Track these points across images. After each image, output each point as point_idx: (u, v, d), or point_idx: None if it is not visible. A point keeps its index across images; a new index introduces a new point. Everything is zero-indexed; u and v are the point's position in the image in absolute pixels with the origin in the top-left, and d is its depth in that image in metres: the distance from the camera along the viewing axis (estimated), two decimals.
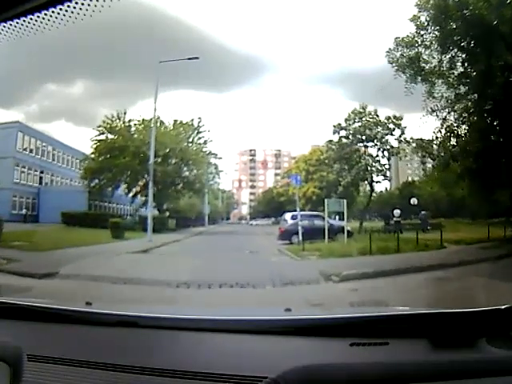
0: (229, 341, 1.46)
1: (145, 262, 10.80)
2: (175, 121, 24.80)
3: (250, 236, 22.19)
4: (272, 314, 1.95)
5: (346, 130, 22.20)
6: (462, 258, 9.80)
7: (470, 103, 12.71)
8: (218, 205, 36.52)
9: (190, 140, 25.14)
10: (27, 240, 12.90)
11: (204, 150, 25.26)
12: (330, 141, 22.94)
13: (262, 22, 60.88)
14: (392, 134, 21.91)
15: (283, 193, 31.11)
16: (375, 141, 21.99)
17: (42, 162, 26.73)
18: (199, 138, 25.19)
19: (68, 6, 0.99)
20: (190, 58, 18.72)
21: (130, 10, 22.90)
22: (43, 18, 1.02)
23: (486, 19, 10.53)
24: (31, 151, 26.07)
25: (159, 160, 22.09)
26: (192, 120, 25.03)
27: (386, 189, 32.99)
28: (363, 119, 21.98)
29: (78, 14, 1.01)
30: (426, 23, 12.05)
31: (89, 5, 1.00)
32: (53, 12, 1.00)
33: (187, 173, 25.26)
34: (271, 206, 33.95)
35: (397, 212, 19.60)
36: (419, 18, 12.20)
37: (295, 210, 17.62)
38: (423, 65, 12.77)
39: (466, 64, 12.29)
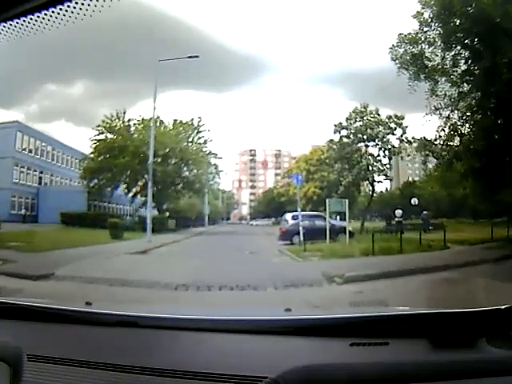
0: (229, 341, 1.45)
1: (143, 263, 10.63)
2: (175, 120, 24.66)
3: (251, 236, 22.06)
4: (272, 314, 1.93)
5: (347, 129, 22.05)
6: (466, 258, 9.64)
7: (473, 101, 12.54)
8: (218, 205, 36.40)
9: (190, 140, 25.01)
10: (25, 240, 12.79)
11: (204, 149, 25.14)
12: (331, 140, 22.80)
13: (261, 22, 60.84)
14: (393, 134, 21.79)
15: (284, 193, 30.96)
16: (376, 140, 21.84)
17: (41, 162, 26.61)
18: (199, 138, 25.07)
19: (68, 6, 0.99)
20: (189, 57, 18.62)
21: (129, 10, 22.81)
22: (43, 18, 1.02)
23: (490, 16, 10.38)
24: (30, 151, 25.95)
25: (159, 160, 21.98)
26: (192, 120, 24.92)
27: (387, 189, 32.90)
28: (364, 118, 21.83)
29: (78, 13, 1.01)
30: (429, 20, 11.90)
31: (89, 5, 1.01)
32: (53, 12, 1.01)
33: (187, 173, 25.15)
34: (271, 207, 33.83)
35: (398, 212, 19.49)
36: (422, 14, 12.06)
37: (296, 210, 17.47)
38: (426, 62, 12.60)
39: (469, 62, 12.13)
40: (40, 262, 8.90)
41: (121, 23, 25.33)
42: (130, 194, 24.89)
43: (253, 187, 48.50)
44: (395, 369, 1.17)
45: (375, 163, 22.13)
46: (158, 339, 1.47)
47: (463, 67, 12.45)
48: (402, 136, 21.52)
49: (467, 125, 13.18)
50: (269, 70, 44.53)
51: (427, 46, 12.57)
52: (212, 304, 5.08)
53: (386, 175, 23.15)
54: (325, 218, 16.28)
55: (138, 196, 24.65)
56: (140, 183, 23.59)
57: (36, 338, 1.48)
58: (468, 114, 12.96)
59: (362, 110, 21.80)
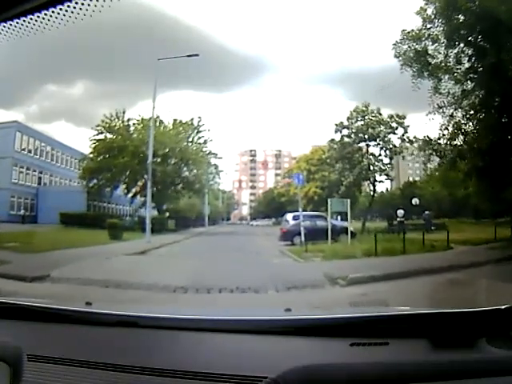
0: (229, 341, 1.45)
1: (142, 264, 10.45)
2: (175, 120, 24.54)
3: (251, 237, 21.94)
4: (272, 314, 1.94)
5: (348, 128, 21.92)
6: (471, 259, 9.47)
7: (477, 100, 12.38)
8: (218, 205, 36.30)
9: (190, 139, 24.89)
10: (22, 241, 12.67)
11: (204, 149, 25.02)
12: (332, 140, 22.67)
13: (261, 22, 60.71)
14: (395, 133, 21.65)
15: (284, 193, 30.85)
16: (378, 140, 21.69)
17: (40, 162, 26.53)
18: (199, 138, 24.95)
19: (68, 6, 0.99)
20: (189, 56, 18.51)
21: (129, 10, 22.73)
22: (43, 18, 1.02)
23: (495, 12, 10.22)
24: (30, 151, 25.89)
25: (158, 160, 21.88)
26: (192, 119, 24.80)
27: (387, 189, 32.77)
28: (366, 118, 21.70)
29: (78, 14, 1.01)
30: (432, 16, 11.74)
31: (89, 5, 1.01)
32: (53, 12, 1.00)
33: (187, 173, 25.03)
34: (272, 207, 33.74)
35: (400, 212, 19.35)
36: (426, 10, 11.90)
37: (296, 211, 17.31)
38: (429, 60, 12.45)
39: (473, 59, 11.98)
40: (36, 263, 8.73)
41: (121, 23, 25.29)
42: (130, 195, 24.79)
43: (253, 187, 48.44)
44: (395, 369, 1.16)
45: (376, 163, 22.02)
46: (158, 339, 1.46)
47: (467, 65, 12.31)
48: (403, 135, 21.42)
49: (471, 123, 13.01)
50: (269, 70, 44.52)
51: (430, 43, 12.42)
52: (211, 306, 4.90)
53: (387, 175, 23.01)
54: (326, 218, 16.13)
55: (138, 196, 24.52)
56: (139, 183, 23.47)
57: (36, 338, 1.48)
58: (472, 112, 12.79)
59: (364, 109, 21.66)
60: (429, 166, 17.21)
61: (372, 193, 23.68)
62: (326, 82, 52.33)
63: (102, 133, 23.27)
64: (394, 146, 21.79)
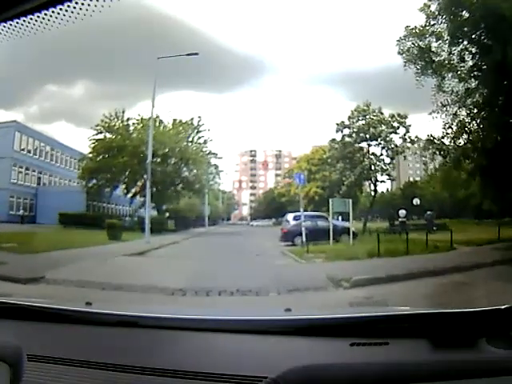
0: (229, 341, 1.44)
1: (140, 265, 10.26)
2: (174, 120, 24.45)
3: (251, 237, 21.81)
4: (272, 314, 1.94)
5: (349, 128, 21.77)
6: (476, 260, 9.31)
7: (481, 98, 12.20)
8: (218, 205, 36.21)
9: (190, 139, 24.80)
10: (20, 241, 12.49)
11: (204, 149, 24.92)
12: (333, 139, 22.51)
13: (262, 23, 60.70)
14: (396, 133, 21.50)
15: (284, 193, 30.75)
16: (379, 139, 21.54)
17: (39, 162, 26.49)
18: (199, 138, 24.87)
19: (68, 6, 1.00)
20: (188, 54, 18.40)
21: (129, 10, 22.68)
22: (43, 18, 1.03)
23: (499, 9, 10.06)
24: (29, 151, 25.82)
25: (158, 160, 21.79)
26: (192, 119, 24.69)
27: (388, 189, 32.65)
28: (367, 117, 21.56)
29: (78, 14, 1.01)
30: (436, 13, 11.57)
31: (89, 5, 1.01)
32: (53, 12, 1.01)
33: (187, 173, 24.96)
34: (272, 207, 33.68)
35: (402, 212, 19.26)
36: (429, 7, 11.75)
37: (297, 211, 17.15)
38: (433, 57, 12.28)
39: (477, 57, 11.81)
40: (32, 264, 8.54)
41: (121, 24, 25.29)
42: (129, 195, 24.69)
43: (253, 188, 48.39)
44: (395, 369, 1.17)
45: (378, 163, 21.87)
46: (158, 339, 1.45)
47: (470, 62, 12.15)
48: (404, 135, 21.27)
49: (475, 122, 12.83)
50: (269, 71, 44.65)
51: (434, 40, 12.26)
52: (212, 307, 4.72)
53: (388, 175, 22.85)
54: (327, 219, 15.99)
55: (138, 196, 24.42)
56: (139, 183, 23.37)
57: (36, 338, 1.47)
58: (475, 110, 12.62)
59: (365, 108, 21.51)
60: (430, 166, 17.05)
61: (373, 193, 23.54)
62: (326, 82, 52.35)
63: (101, 132, 23.25)
64: (396, 146, 21.65)
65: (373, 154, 21.90)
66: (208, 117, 42.74)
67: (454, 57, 12.24)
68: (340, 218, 18.28)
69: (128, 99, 34.90)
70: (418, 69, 12.30)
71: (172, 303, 5.41)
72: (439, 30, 11.94)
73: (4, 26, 1.05)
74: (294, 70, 40.34)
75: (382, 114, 21.54)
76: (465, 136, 12.98)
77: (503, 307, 1.24)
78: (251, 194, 47.51)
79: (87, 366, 1.22)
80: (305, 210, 17.26)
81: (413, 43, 12.35)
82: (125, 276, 7.56)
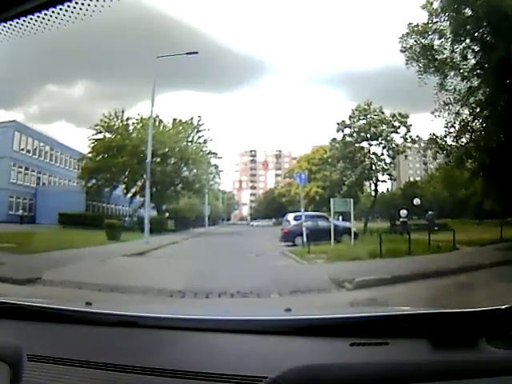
0: (229, 341, 1.44)
1: (139, 266, 10.14)
2: (174, 119, 24.34)
3: (252, 237, 21.70)
4: (272, 314, 1.94)
5: (350, 127, 21.64)
6: (480, 260, 9.20)
7: (484, 97, 12.08)
8: (218, 205, 36.11)
9: (190, 139, 24.69)
10: (19, 242, 12.38)
11: (204, 149, 24.81)
12: (334, 139, 22.38)
13: (262, 23, 60.53)
14: (397, 132, 21.38)
15: (285, 193, 30.65)
16: (380, 139, 21.41)
17: (39, 162, 26.38)
18: (199, 137, 24.76)
19: (68, 6, 1.00)
20: (188, 53, 18.32)
21: (129, 10, 22.59)
22: (43, 18, 1.03)
23: (503, 6, 9.95)
24: (28, 151, 25.70)
25: (158, 160, 21.70)
26: (191, 119, 24.58)
27: (388, 189, 32.55)
28: (368, 116, 21.41)
29: (78, 14, 1.02)
30: (439, 10, 11.46)
31: (89, 5, 1.01)
32: (53, 12, 1.01)
33: (187, 173, 24.87)
34: (272, 207, 33.60)
35: (403, 212, 19.13)
36: (432, 4, 11.63)
37: (297, 211, 17.03)
38: (436, 55, 12.17)
39: (479, 55, 11.69)
40: (29, 265, 8.40)
41: (121, 24, 25.20)
42: (129, 195, 24.58)
43: (253, 188, 48.30)
44: (395, 369, 1.17)
45: (379, 162, 21.73)
46: (158, 339, 1.45)
47: (473, 61, 12.04)
48: (405, 134, 21.14)
49: (478, 120, 12.71)
50: (269, 71, 44.57)
51: (437, 37, 12.15)
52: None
53: (389, 174, 22.72)
54: (328, 219, 15.87)
55: (137, 196, 24.31)
56: (139, 183, 23.28)
57: (36, 338, 1.48)
58: (478, 109, 12.50)
59: (366, 107, 21.38)
60: (430, 165, 16.93)
61: (374, 193, 23.41)
62: (326, 82, 52.19)
63: (100, 132, 23.16)
64: (397, 146, 21.52)
65: (374, 153, 21.78)
66: (208, 117, 42.62)
67: (457, 55, 12.14)
68: (340, 218, 18.16)
69: (128, 99, 34.88)
70: (420, 67, 12.21)
71: (171, 304, 5.26)
72: (442, 27, 11.83)
73: (4, 26, 1.06)
74: (294, 70, 40.21)
75: (382, 113, 21.40)
76: (467, 135, 12.86)
77: (503, 307, 1.24)
78: (251, 194, 47.43)
79: (87, 366, 1.22)
80: (305, 210, 17.15)
81: (415, 41, 12.26)
82: (122, 277, 7.41)
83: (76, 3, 0.99)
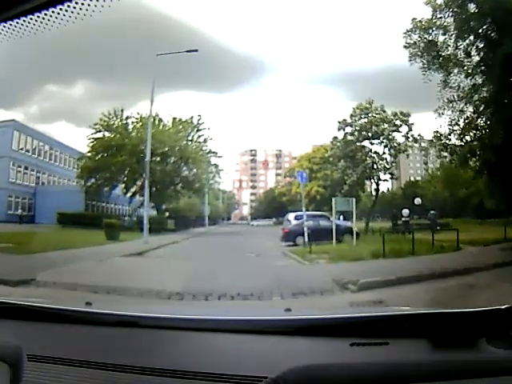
0: (229, 341, 1.44)
1: (138, 266, 9.97)
2: (174, 118, 24.22)
3: (252, 237, 21.58)
4: (272, 314, 1.95)
5: (351, 126, 21.45)
6: (485, 260, 9.02)
7: (488, 94, 11.90)
8: (218, 205, 36.01)
9: (190, 138, 24.56)
10: (17, 242, 12.24)
11: (204, 148, 24.67)
12: (335, 138, 22.22)
13: (262, 23, 60.39)
14: (399, 131, 21.20)
15: (285, 192, 30.51)
16: (381, 138, 21.24)
17: (38, 162, 26.31)
18: (199, 137, 24.62)
19: (68, 6, 1.00)
20: (188, 51, 18.21)
21: (129, 10, 22.48)
22: (43, 18, 1.03)
23: (507, 2, 9.80)
24: (28, 150, 25.63)
25: (158, 159, 21.57)
26: (191, 118, 24.44)
27: (388, 189, 32.41)
28: (369, 115, 21.23)
29: (78, 14, 1.02)
30: (443, 6, 11.28)
31: (89, 5, 1.01)
32: (53, 12, 1.01)
33: (186, 172, 24.73)
34: (272, 207, 33.52)
35: (405, 212, 19.03)
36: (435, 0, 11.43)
37: (297, 210, 16.86)
38: (440, 52, 11.99)
39: (483, 51, 11.51)
40: (25, 265, 8.23)
41: (121, 24, 25.12)
42: (129, 194, 24.46)
43: (253, 187, 48.21)
44: (395, 369, 1.17)
45: (380, 161, 21.56)
46: (158, 339, 1.45)
47: (477, 58, 11.86)
48: (407, 133, 20.98)
49: (482, 118, 12.53)
50: (269, 71, 44.50)
51: (441, 33, 11.97)
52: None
53: (391, 174, 22.56)
54: (329, 218, 15.73)
55: (137, 196, 24.18)
56: (138, 183, 23.16)
57: (36, 338, 1.48)
58: (482, 107, 12.32)
59: (367, 106, 21.20)
60: (431, 165, 16.76)
61: (375, 192, 23.24)
62: (326, 82, 52.12)
63: (100, 131, 23.06)
64: (398, 144, 21.35)
65: (375, 152, 21.61)
66: (208, 116, 42.66)
67: (461, 51, 11.96)
68: (341, 217, 18.00)
69: (128, 99, 34.86)
70: (424, 63, 12.04)
71: (171, 305, 5.11)
72: (446, 23, 11.66)
73: (4, 26, 1.05)
74: (294, 70, 40.19)
75: (384, 112, 21.22)
76: (472, 133, 12.67)
77: (503, 307, 1.24)
78: (251, 194, 47.34)
79: (87, 366, 1.23)
80: (306, 210, 16.98)
81: (419, 36, 12.09)
82: (121, 278, 7.26)
83: (76, 3, 0.99)
